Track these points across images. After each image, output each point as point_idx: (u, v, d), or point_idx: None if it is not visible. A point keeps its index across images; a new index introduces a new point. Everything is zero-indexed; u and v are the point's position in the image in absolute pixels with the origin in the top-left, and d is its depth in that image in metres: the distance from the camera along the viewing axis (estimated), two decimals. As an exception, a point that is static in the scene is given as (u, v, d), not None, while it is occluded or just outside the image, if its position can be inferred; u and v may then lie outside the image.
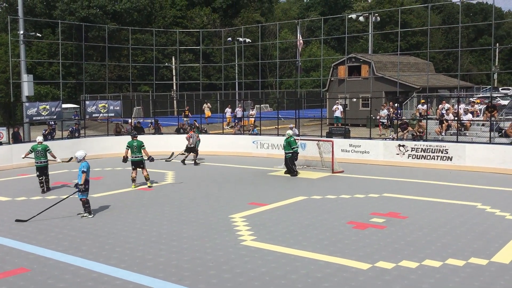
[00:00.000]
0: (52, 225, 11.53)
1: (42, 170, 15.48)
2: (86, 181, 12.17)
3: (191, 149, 21.31)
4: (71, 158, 16.43)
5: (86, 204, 12.29)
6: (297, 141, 18.70)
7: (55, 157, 15.79)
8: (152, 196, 14.66)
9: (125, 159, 15.80)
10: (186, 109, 33.15)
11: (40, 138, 15.97)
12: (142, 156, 15.70)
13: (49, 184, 15.80)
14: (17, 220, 11.92)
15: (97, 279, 8.14)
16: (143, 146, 15.77)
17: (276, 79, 46.39)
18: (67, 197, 13.01)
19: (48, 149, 15.64)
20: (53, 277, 8.26)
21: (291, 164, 18.06)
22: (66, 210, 12.94)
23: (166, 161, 21.11)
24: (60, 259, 9.12)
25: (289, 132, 18.64)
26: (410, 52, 47.59)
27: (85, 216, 12.19)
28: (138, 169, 15.80)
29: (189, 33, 56.15)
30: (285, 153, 18.20)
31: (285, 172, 18.22)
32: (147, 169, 16.16)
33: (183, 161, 20.93)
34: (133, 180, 15.88)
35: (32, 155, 15.62)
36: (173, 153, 21.14)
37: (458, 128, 21.19)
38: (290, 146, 18.04)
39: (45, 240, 10.35)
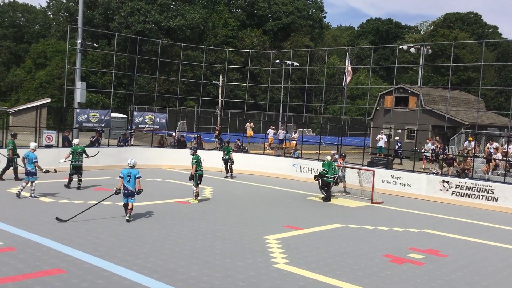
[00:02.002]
0: (90, 229, 11.80)
1: (78, 169, 17.36)
2: (123, 187, 12.89)
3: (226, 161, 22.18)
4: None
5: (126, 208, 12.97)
6: (337, 167, 18.55)
7: (87, 155, 17.87)
8: (189, 210, 14.79)
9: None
10: (217, 127, 33.10)
11: (77, 141, 18.07)
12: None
13: (81, 183, 17.42)
14: (57, 219, 12.33)
15: (129, 287, 8.23)
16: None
17: (321, 104, 46.31)
18: (105, 199, 13.35)
19: (85, 151, 17.77)
20: (87, 280, 8.42)
21: (321, 189, 18.04)
22: (106, 216, 13.23)
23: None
24: (96, 264, 9.29)
25: (328, 157, 18.58)
26: (461, 87, 46.60)
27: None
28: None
29: (238, 52, 57.05)
30: (327, 177, 17.99)
31: (323, 199, 18.02)
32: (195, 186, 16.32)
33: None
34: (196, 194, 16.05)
35: (70, 157, 17.27)
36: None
37: (506, 168, 20.45)
38: (331, 171, 17.94)
39: (82, 243, 10.59)
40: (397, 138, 31.04)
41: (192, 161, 16.06)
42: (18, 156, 18.09)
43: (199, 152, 25.62)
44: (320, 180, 18.08)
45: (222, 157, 22.71)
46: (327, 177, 17.93)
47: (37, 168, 15.02)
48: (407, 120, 35.02)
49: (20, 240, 10.54)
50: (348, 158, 27.81)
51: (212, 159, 24.23)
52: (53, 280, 8.35)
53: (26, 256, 9.53)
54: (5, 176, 18.37)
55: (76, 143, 17.72)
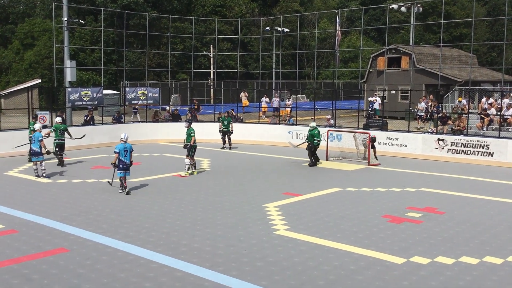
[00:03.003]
0: (91, 207, 11.87)
1: (62, 147, 17.69)
2: (119, 161, 13.15)
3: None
4: (84, 135, 19.47)
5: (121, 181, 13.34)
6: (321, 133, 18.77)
7: (70, 136, 18.01)
8: (187, 183, 14.86)
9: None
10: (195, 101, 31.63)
11: (59, 119, 18.23)
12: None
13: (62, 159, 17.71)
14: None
15: (134, 262, 8.34)
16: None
17: (314, 69, 46.03)
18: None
19: (67, 129, 18.11)
20: (91, 258, 8.52)
21: (310, 154, 18.10)
22: (106, 193, 13.29)
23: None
24: (99, 241, 9.39)
25: (313, 124, 18.83)
26: (453, 44, 46.27)
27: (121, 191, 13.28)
28: None
29: (227, 22, 56.25)
30: (310, 143, 18.18)
31: (309, 165, 18.14)
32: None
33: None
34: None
35: (53, 134, 17.57)
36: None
37: (500, 123, 20.55)
38: (312, 138, 18.13)
39: (84, 221, 10.66)
40: (370, 98, 30.64)
41: (192, 133, 16.05)
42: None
43: (194, 124, 25.63)
44: (312, 148, 18.16)
45: (221, 129, 22.48)
46: (317, 141, 18.19)
47: (42, 147, 15.22)
48: (400, 81, 34.89)
49: (21, 222, 10.60)
50: (342, 122, 27.88)
51: (208, 131, 24.24)
52: (57, 259, 8.44)
53: (29, 237, 9.60)
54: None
55: (58, 121, 17.99)
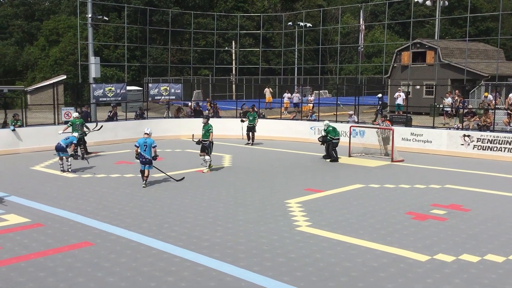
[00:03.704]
0: (115, 201, 12.02)
1: (79, 141, 17.71)
2: (139, 155, 13.54)
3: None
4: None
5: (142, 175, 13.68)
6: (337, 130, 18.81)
7: (88, 129, 18.63)
8: (209, 179, 14.92)
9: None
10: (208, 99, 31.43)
11: (76, 114, 18.83)
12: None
13: (83, 152, 18.28)
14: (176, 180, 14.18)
15: (157, 256, 8.42)
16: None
17: (336, 64, 45.67)
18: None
19: (84, 123, 18.58)
20: (115, 252, 8.63)
21: (331, 150, 18.08)
22: (129, 188, 13.44)
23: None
24: (122, 235, 9.50)
25: (326, 122, 18.96)
26: (479, 38, 45.37)
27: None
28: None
29: (249, 17, 56.21)
30: (331, 138, 18.12)
31: (331, 161, 18.05)
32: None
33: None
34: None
35: (69, 129, 17.82)
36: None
37: (529, 119, 20.07)
38: (334, 134, 18.25)
39: (108, 216, 10.81)
40: (379, 95, 30.44)
41: (211, 129, 15.96)
42: (87, 132, 19.01)
43: (216, 120, 25.71)
44: (329, 144, 18.11)
45: (248, 125, 22.30)
46: (336, 139, 18.21)
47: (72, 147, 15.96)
48: (425, 76, 34.41)
49: (47, 216, 10.80)
50: (366, 118, 27.63)
51: (229, 126, 24.29)
52: (82, 253, 8.58)
53: (54, 231, 9.78)
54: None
55: (75, 116, 18.45)
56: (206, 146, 15.95)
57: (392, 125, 19.75)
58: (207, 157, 15.94)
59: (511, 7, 66.61)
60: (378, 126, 19.82)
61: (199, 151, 16.28)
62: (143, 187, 13.49)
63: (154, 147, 13.58)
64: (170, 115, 27.66)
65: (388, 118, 20.25)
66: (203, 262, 8.12)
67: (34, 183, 14.14)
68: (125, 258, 8.33)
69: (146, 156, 13.47)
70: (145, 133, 13.73)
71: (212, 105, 27.29)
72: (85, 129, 18.36)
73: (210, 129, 16.02)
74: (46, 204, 11.79)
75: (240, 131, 23.30)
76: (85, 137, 18.64)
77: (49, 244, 8.99)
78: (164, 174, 14.54)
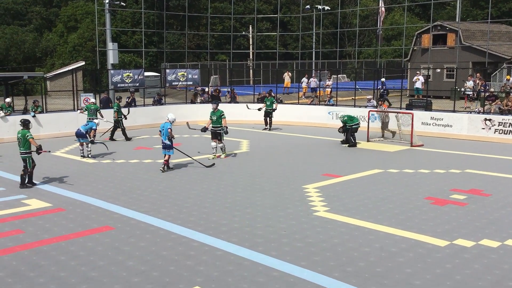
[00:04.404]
0: (134, 187, 12.15)
1: (117, 125, 18.88)
2: (162, 140, 13.75)
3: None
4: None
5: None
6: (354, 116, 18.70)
7: (102, 116, 18.63)
8: (227, 164, 14.96)
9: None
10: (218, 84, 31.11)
11: (93, 100, 19.85)
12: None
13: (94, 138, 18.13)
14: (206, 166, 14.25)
15: (176, 240, 8.51)
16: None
17: (355, 48, 45.14)
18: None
19: (99, 109, 18.79)
20: (135, 236, 8.74)
21: (349, 135, 18.00)
22: (148, 173, 13.57)
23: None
24: (142, 220, 9.62)
25: (341, 114, 19.13)
26: (502, 20, 44.30)
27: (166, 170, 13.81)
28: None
29: (267, 1, 55.78)
30: (349, 125, 18.08)
31: (349, 146, 17.94)
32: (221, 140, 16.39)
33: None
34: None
35: (86, 113, 18.55)
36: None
37: (552, 102, 19.62)
38: (352, 121, 18.13)
39: (128, 201, 10.94)
40: (382, 79, 29.99)
41: (223, 114, 15.48)
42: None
43: (233, 106, 25.71)
44: (348, 130, 18.03)
45: (265, 109, 22.11)
46: (355, 125, 18.11)
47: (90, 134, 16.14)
48: (446, 59, 33.79)
49: (68, 201, 10.98)
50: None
51: (246, 112, 24.25)
52: (103, 237, 8.71)
53: (75, 215, 9.94)
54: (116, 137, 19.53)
55: (91, 102, 19.33)
56: (219, 132, 15.53)
57: (388, 108, 19.71)
58: (220, 144, 15.62)
59: (535, -13, 64.74)
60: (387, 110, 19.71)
61: (211, 138, 15.75)
62: (160, 170, 13.69)
63: (169, 128, 13.64)
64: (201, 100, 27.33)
65: (384, 101, 20.12)
66: (222, 247, 8.18)
67: (55, 168, 14.36)
68: (145, 242, 8.44)
69: (164, 141, 13.65)
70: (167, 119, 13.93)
71: (232, 89, 27.27)
72: (98, 116, 18.43)
73: (223, 115, 15.48)
74: (67, 189, 11.99)
75: (257, 117, 23.16)
76: (122, 122, 19.37)
77: (70, 228, 9.15)
78: (190, 159, 14.63)
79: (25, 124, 12.02)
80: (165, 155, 13.80)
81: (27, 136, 11.82)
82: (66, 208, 10.45)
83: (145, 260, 7.67)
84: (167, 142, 13.65)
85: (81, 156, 15.82)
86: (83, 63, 43.06)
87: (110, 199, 11.10)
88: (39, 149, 11.90)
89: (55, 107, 23.00)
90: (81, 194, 11.47)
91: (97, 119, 17.82)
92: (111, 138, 19.22)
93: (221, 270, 7.31)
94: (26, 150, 11.90)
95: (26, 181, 12.14)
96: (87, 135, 15.78)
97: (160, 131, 13.84)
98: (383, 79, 30.11)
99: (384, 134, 19.58)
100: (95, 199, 11.06)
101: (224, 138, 15.82)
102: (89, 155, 15.79)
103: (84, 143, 15.75)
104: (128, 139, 19.41)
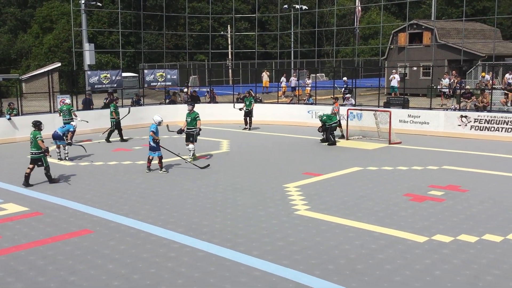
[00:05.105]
0: (113, 189, 12.02)
1: (117, 125, 18.97)
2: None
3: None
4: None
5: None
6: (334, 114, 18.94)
7: (76, 116, 18.44)
8: (207, 165, 14.89)
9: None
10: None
11: (68, 101, 19.39)
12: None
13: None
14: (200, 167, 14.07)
15: (156, 242, 8.44)
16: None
17: (333, 47, 45.47)
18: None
19: (72, 109, 18.61)
20: (115, 239, 8.65)
21: (329, 133, 18.15)
22: (127, 175, 13.44)
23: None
24: (122, 222, 9.52)
25: (320, 113, 19.10)
26: (476, 18, 45.12)
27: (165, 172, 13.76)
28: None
29: (245, 0, 55.77)
30: (328, 124, 18.18)
31: (328, 144, 18.07)
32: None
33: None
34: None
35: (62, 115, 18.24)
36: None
37: (526, 98, 20.07)
38: (331, 120, 18.28)
39: (107, 203, 10.81)
40: (344, 78, 30.48)
41: (198, 116, 15.31)
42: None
43: (213, 105, 25.69)
44: (327, 129, 18.20)
45: (244, 109, 22.16)
46: (334, 124, 18.29)
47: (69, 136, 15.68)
48: (422, 57, 34.30)
49: (46, 204, 10.80)
50: (363, 100, 27.58)
51: (226, 111, 24.24)
52: (82, 240, 8.59)
53: (53, 219, 9.78)
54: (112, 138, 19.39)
55: (67, 103, 18.92)
56: (192, 134, 15.27)
57: (339, 106, 20.02)
58: (190, 146, 15.31)
59: (507, -14, 66.07)
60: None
61: (185, 140, 15.50)
62: (146, 171, 13.73)
63: (151, 131, 13.64)
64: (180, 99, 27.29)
65: (337, 100, 20.42)
66: (203, 248, 8.15)
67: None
68: (125, 245, 8.35)
69: (149, 142, 13.67)
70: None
71: (212, 89, 27.23)
72: (73, 116, 18.21)
73: (198, 117, 15.29)
74: (44, 192, 11.79)
75: (237, 117, 23.16)
76: (120, 122, 19.23)
77: (48, 232, 9.00)
78: (178, 158, 14.54)
79: (37, 125, 12.45)
80: (149, 156, 13.75)
81: (37, 137, 12.23)
82: (43, 212, 10.28)
83: (125, 263, 7.59)
84: (152, 143, 13.62)
85: (58, 158, 15.59)
86: (59, 64, 42.43)
87: (89, 202, 10.95)
88: (45, 151, 12.33)
89: (31, 109, 22.61)
90: (59, 198, 11.30)
91: (73, 120, 17.61)
92: (122, 139, 19.23)
93: (203, 271, 7.28)
94: (39, 150, 12.23)
95: (52, 178, 12.61)
96: (64, 137, 15.53)
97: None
98: (345, 78, 30.53)
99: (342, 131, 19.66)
100: (73, 202, 10.91)
101: (196, 140, 15.56)
102: (67, 158, 15.57)
103: (61, 145, 15.52)
104: (123, 140, 19.25)
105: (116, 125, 19.23)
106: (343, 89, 28.54)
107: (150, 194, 11.55)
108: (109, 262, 7.64)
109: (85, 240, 8.58)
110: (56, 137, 15.39)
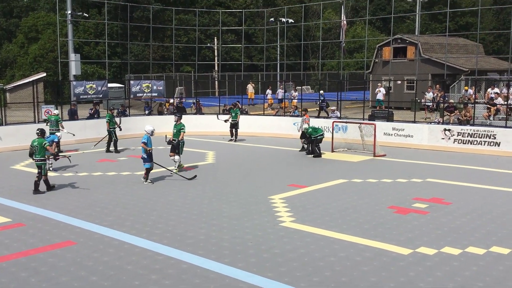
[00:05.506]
0: (97, 200, 11.91)
1: (110, 135, 18.91)
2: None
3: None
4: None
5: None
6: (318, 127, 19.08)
7: (63, 127, 18.39)
8: (193, 175, 14.84)
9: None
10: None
11: (56, 111, 19.17)
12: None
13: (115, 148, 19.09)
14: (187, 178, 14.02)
15: (140, 254, 8.37)
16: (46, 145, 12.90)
17: (319, 60, 45.85)
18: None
19: (60, 120, 18.53)
20: (98, 250, 8.55)
21: (314, 146, 18.22)
22: (112, 186, 13.33)
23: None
24: (105, 234, 9.43)
25: (305, 126, 18.98)
26: (459, 34, 45.94)
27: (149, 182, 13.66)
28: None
29: (231, 13, 56.08)
30: (314, 136, 18.24)
31: (314, 156, 18.15)
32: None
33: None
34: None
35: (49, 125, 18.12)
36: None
37: (507, 112, 20.41)
38: (316, 132, 18.29)
39: (91, 214, 10.71)
40: (321, 91, 30.88)
41: (183, 128, 15.39)
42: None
43: (199, 117, 25.65)
44: (313, 141, 18.25)
45: (230, 121, 22.14)
46: (319, 136, 18.27)
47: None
48: (406, 71, 34.74)
49: (29, 215, 10.66)
50: (348, 113, 27.81)
51: (212, 123, 24.23)
52: (65, 252, 8.49)
53: (36, 230, 9.66)
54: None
55: (55, 113, 18.77)
56: (175, 145, 15.37)
57: (309, 118, 20.29)
58: (176, 157, 15.35)
59: (490, 3, 67.54)
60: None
61: (170, 150, 15.57)
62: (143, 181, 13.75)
63: (141, 143, 13.62)
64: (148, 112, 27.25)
65: (307, 112, 20.68)
66: (188, 260, 8.10)
67: (14, 182, 13.93)
68: (108, 256, 8.27)
69: (142, 153, 13.69)
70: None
71: (198, 101, 27.22)
72: (60, 127, 18.12)
73: (183, 128, 15.38)
74: (27, 203, 11.64)
75: (223, 128, 23.17)
76: (115, 133, 19.10)
77: (31, 244, 8.88)
78: (163, 169, 14.47)
79: (42, 133, 12.93)
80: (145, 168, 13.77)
81: (44, 144, 12.59)
82: (26, 223, 10.14)
83: (108, 275, 7.51)
84: (143, 155, 13.58)
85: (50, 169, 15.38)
86: (44, 74, 42.07)
87: (72, 213, 10.83)
88: (56, 155, 12.94)
89: (15, 119, 22.37)
90: (42, 209, 11.16)
91: (59, 131, 17.47)
92: (107, 150, 19.05)
93: (187, 283, 7.23)
94: (42, 157, 12.53)
95: (45, 187, 12.71)
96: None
97: None
98: (321, 91, 30.90)
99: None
100: (56, 213, 10.78)
101: (182, 152, 15.52)
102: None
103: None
104: (117, 151, 19.08)
105: (109, 135, 19.10)
106: (320, 101, 28.94)
107: (135, 205, 11.46)
108: (92, 274, 7.55)
109: (68, 252, 8.48)
110: None
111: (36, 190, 12.55)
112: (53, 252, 8.50)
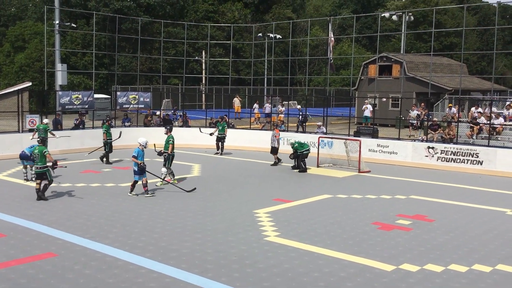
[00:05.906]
0: (80, 211, 11.78)
1: (105, 146, 18.98)
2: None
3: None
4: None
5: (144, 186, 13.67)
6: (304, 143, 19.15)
7: (53, 135, 18.86)
8: (178, 189, 14.77)
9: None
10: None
11: (46, 121, 19.26)
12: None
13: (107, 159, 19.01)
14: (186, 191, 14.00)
15: (123, 267, 8.28)
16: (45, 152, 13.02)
17: (306, 76, 46.18)
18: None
19: (48, 129, 18.69)
20: (79, 263, 8.44)
21: (300, 160, 18.30)
22: (95, 198, 13.20)
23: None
24: (87, 246, 9.31)
25: (292, 140, 19.53)
26: (444, 53, 46.73)
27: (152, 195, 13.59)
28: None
29: (220, 27, 56.35)
30: (300, 152, 18.31)
31: (299, 171, 18.22)
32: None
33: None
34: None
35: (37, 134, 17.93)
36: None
37: (490, 132, 20.73)
38: (302, 147, 18.43)
39: (73, 226, 10.57)
40: (298, 106, 31.25)
41: (170, 140, 15.40)
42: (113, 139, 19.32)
43: (186, 129, 25.60)
44: (298, 156, 18.33)
45: (217, 134, 22.16)
46: (305, 151, 18.35)
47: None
48: (391, 89, 35.16)
49: (9, 226, 10.49)
50: (334, 129, 27.99)
51: (198, 136, 24.16)
52: (45, 264, 8.36)
53: (17, 241, 9.50)
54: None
55: (44, 122, 18.82)
56: (165, 157, 15.44)
57: (279, 132, 20.58)
58: (163, 169, 15.39)
59: (474, 24, 68.89)
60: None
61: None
62: (150, 194, 13.64)
63: (132, 156, 13.60)
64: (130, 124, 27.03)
65: (278, 127, 20.98)
66: (171, 273, 8.03)
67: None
68: (90, 269, 8.16)
69: (133, 167, 13.66)
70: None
71: (185, 113, 27.19)
72: (50, 135, 18.17)
73: (170, 140, 15.41)
74: (8, 214, 11.46)
75: (209, 141, 23.14)
76: (111, 144, 19.11)
77: (11, 255, 8.73)
78: (153, 181, 14.34)
79: (43, 141, 13.46)
80: (135, 180, 13.61)
81: (44, 152, 12.82)
82: (7, 233, 9.97)
83: (90, 288, 7.41)
84: (135, 168, 13.51)
85: (25, 179, 15.22)
86: (30, 83, 41.67)
87: (54, 224, 10.69)
88: (54, 164, 13.08)
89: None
90: (23, 219, 11.00)
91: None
92: (107, 162, 18.93)
93: (170, 297, 7.16)
94: (44, 165, 12.77)
95: (43, 195, 12.87)
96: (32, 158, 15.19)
97: None
98: (299, 107, 31.23)
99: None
100: (38, 224, 10.63)
101: (170, 164, 15.47)
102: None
103: (28, 165, 15.16)
104: (108, 163, 18.92)
105: (105, 146, 19.02)
106: (299, 116, 29.24)
107: (119, 217, 11.36)
108: (73, 286, 7.45)
109: (49, 264, 8.35)
110: (23, 157, 15.05)
111: (40, 197, 12.73)
112: (34, 263, 8.36)
